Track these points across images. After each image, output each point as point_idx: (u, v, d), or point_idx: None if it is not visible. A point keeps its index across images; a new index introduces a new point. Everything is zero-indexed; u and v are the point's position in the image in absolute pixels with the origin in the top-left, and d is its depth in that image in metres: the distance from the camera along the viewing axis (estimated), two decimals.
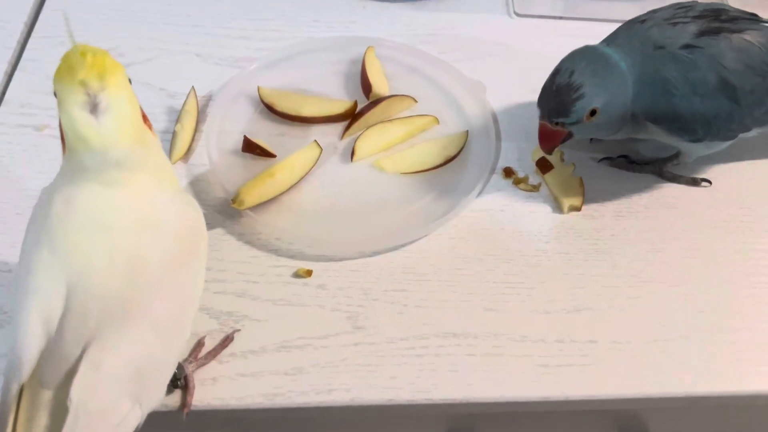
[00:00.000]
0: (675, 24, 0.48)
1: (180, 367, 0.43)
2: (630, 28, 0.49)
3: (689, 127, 0.48)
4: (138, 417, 0.37)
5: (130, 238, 0.36)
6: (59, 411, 0.33)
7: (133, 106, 0.34)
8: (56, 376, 0.34)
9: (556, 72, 0.47)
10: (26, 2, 0.66)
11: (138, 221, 0.36)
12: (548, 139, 0.49)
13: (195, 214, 0.39)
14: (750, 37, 0.47)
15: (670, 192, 0.55)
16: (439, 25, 0.67)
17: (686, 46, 0.47)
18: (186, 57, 0.63)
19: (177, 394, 0.43)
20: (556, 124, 0.47)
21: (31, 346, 0.34)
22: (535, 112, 0.49)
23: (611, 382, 0.45)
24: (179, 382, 0.43)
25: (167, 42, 0.63)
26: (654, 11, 0.50)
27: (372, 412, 0.45)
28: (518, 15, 0.69)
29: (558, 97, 0.46)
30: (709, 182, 0.55)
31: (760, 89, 0.47)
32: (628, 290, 0.49)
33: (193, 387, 0.43)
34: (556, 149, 0.55)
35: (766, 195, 0.55)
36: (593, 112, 0.47)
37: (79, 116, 0.33)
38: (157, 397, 0.39)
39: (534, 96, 0.49)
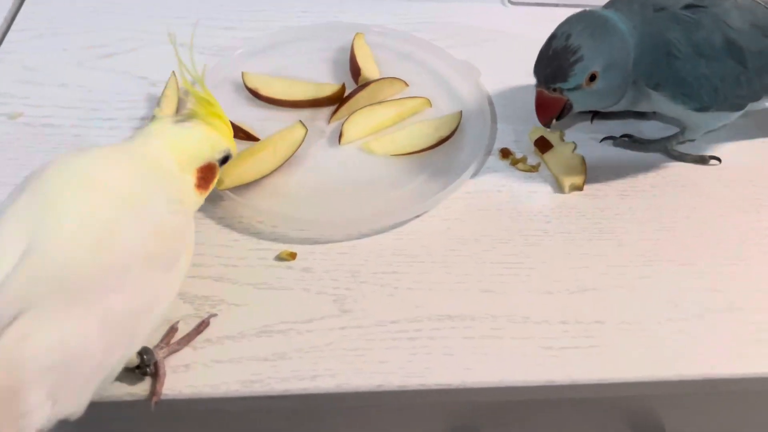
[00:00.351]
0: None
1: (150, 352, 0.39)
2: None
3: (694, 92, 0.45)
4: (46, 416, 0.31)
5: (110, 210, 0.34)
6: None
7: (199, 142, 0.40)
8: None
9: (553, 36, 0.45)
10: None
11: (125, 199, 0.35)
12: (546, 108, 0.46)
13: (186, 224, 0.38)
14: None
15: (677, 170, 0.52)
16: (432, 14, 0.65)
17: (688, 6, 0.44)
18: (170, 47, 0.60)
19: (146, 383, 0.39)
20: (554, 90, 0.44)
21: None
22: (533, 96, 0.47)
23: (621, 365, 0.41)
24: (148, 368, 0.39)
25: (151, 33, 0.61)
26: None
27: (361, 401, 0.41)
28: (512, 3, 0.67)
29: (555, 61, 0.43)
30: (719, 160, 0.52)
31: None
32: (635, 270, 0.46)
33: (164, 374, 0.39)
34: (556, 129, 0.53)
35: None
36: (593, 77, 0.44)
37: (167, 114, 0.43)
38: (75, 403, 0.33)
39: (531, 80, 0.47)
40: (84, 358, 0.33)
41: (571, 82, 0.44)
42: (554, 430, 0.51)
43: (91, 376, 0.34)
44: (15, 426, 0.30)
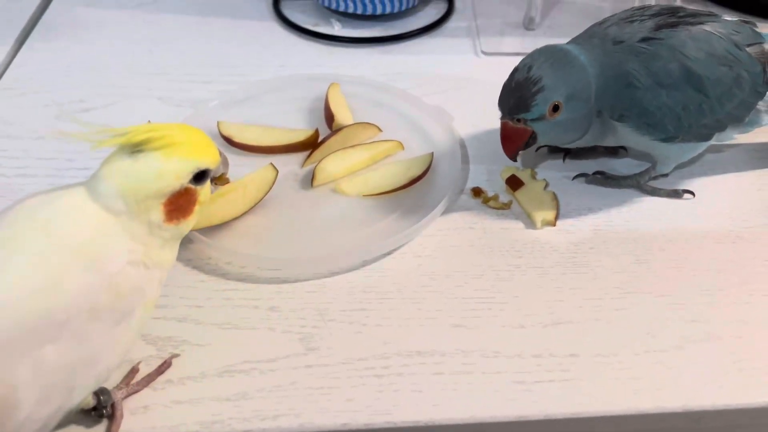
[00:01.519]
0: (632, 22, 0.46)
1: (107, 393, 0.38)
2: (588, 30, 0.48)
3: (658, 122, 0.45)
4: None
5: (62, 257, 0.32)
6: None
7: (155, 178, 0.35)
8: None
9: (515, 70, 0.45)
10: None
11: (79, 248, 0.33)
12: (511, 139, 0.46)
13: (146, 277, 0.35)
14: (710, 27, 0.45)
15: (651, 205, 0.52)
16: (406, 65, 0.66)
17: (645, 39, 0.45)
18: (147, 101, 0.62)
19: (102, 425, 0.38)
20: (518, 121, 0.45)
21: None
22: None
23: (598, 398, 0.40)
24: (105, 410, 0.38)
25: (129, 88, 0.63)
26: (612, 15, 0.49)
27: None
28: (485, 54, 0.68)
29: (517, 92, 0.44)
30: (693, 194, 0.52)
31: (728, 79, 0.45)
32: (611, 302, 0.45)
33: (121, 416, 0.38)
34: (528, 170, 0.53)
35: (754, 206, 0.52)
36: (555, 108, 0.44)
37: (120, 150, 0.35)
38: None
39: None
40: (10, 408, 0.31)
41: (534, 112, 0.44)
42: None
43: (19, 427, 0.32)
44: None
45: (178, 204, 0.36)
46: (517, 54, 0.67)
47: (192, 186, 0.37)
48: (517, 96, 0.44)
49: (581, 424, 0.39)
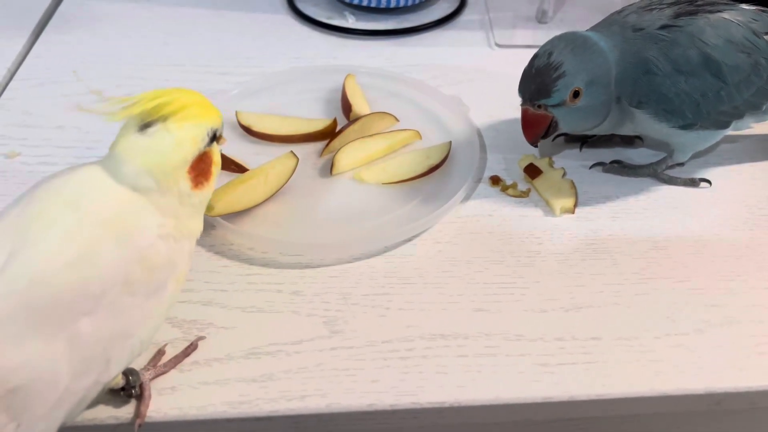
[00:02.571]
0: (651, 10, 0.47)
1: (136, 374, 0.38)
2: (608, 18, 0.49)
3: (676, 109, 0.46)
4: None
5: (93, 230, 0.33)
6: None
7: (176, 148, 0.35)
8: None
9: (535, 56, 0.46)
10: (12, 51, 0.66)
11: (110, 222, 0.33)
12: (532, 125, 0.46)
13: (179, 250, 0.36)
14: (728, 15, 0.46)
15: (668, 194, 0.52)
16: (420, 58, 0.67)
17: (664, 27, 0.45)
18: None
19: (131, 406, 0.38)
20: (539, 107, 0.45)
21: None
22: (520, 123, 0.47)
23: (621, 380, 0.40)
24: (134, 390, 0.38)
25: (145, 79, 0.63)
26: (630, 4, 0.49)
27: (353, 423, 0.39)
28: (499, 46, 0.69)
29: (538, 78, 0.44)
30: (709, 182, 0.52)
31: (746, 66, 0.45)
32: (631, 287, 0.45)
33: (149, 396, 0.38)
34: (546, 158, 0.53)
35: None
36: (576, 94, 0.45)
37: (128, 127, 0.35)
38: (44, 426, 0.32)
39: (518, 113, 0.48)
40: (50, 381, 0.31)
41: (555, 98, 0.44)
42: None
43: (60, 399, 0.32)
44: None
45: (200, 168, 0.36)
46: (530, 47, 0.68)
47: (208, 148, 0.37)
48: (538, 82, 0.44)
49: (604, 405, 0.40)
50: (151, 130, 0.34)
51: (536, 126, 0.46)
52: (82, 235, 0.32)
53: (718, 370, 0.41)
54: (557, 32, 0.48)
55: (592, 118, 0.47)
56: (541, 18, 0.71)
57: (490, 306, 0.44)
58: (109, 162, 0.35)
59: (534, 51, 0.46)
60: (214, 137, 0.37)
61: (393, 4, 0.71)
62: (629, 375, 0.40)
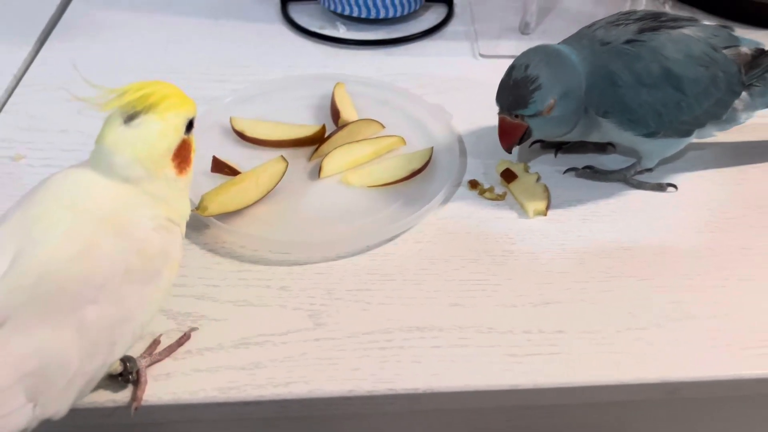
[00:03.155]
0: (618, 25, 0.50)
1: (133, 361, 0.41)
2: (579, 32, 0.52)
3: (640, 118, 0.49)
4: (28, 417, 0.34)
5: (92, 227, 0.36)
6: None
7: (161, 137, 0.38)
8: None
9: (512, 68, 0.49)
10: (18, 58, 0.69)
11: (107, 217, 0.36)
12: (507, 133, 0.49)
13: (172, 241, 0.39)
14: (689, 31, 0.49)
15: (636, 198, 0.55)
16: (408, 67, 0.70)
17: (629, 41, 0.49)
18: None
19: (128, 391, 0.41)
20: (516, 117, 0.48)
21: None
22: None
23: (583, 370, 0.43)
24: (131, 376, 0.41)
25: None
26: (599, 19, 0.52)
27: (334, 408, 0.42)
28: (483, 56, 0.72)
29: (516, 89, 0.47)
30: (675, 187, 0.56)
31: (705, 78, 0.49)
32: (596, 285, 0.48)
33: (145, 382, 0.41)
34: (522, 164, 0.56)
35: (734, 199, 0.55)
36: (551, 105, 0.48)
37: (113, 120, 0.38)
38: (58, 405, 0.35)
39: (497, 120, 0.51)
40: (61, 365, 0.34)
41: (531, 109, 0.48)
42: None
43: (71, 381, 0.35)
44: None
45: (182, 155, 0.40)
46: (513, 57, 0.71)
47: (186, 136, 0.40)
48: (515, 93, 0.48)
49: (568, 393, 0.43)
50: (136, 121, 0.37)
51: (512, 134, 0.49)
52: (83, 233, 0.36)
53: (673, 361, 0.44)
54: (539, 43, 0.51)
55: (563, 127, 0.50)
56: (524, 29, 0.75)
57: (465, 301, 0.47)
58: (97, 156, 0.38)
59: None
60: (191, 125, 0.40)
61: (383, 15, 0.75)
62: (591, 365, 0.43)
